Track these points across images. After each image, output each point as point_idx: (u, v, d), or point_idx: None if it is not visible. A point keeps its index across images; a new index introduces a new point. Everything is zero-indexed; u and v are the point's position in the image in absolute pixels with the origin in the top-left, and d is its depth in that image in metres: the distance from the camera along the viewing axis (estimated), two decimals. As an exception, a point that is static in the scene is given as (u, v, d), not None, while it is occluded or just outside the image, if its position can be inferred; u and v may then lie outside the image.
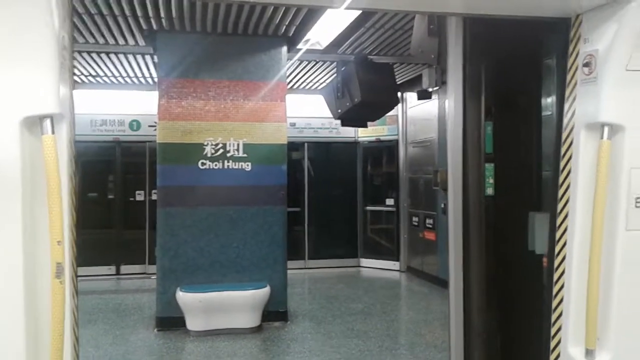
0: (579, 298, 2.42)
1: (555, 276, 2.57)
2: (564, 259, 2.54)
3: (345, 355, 5.46)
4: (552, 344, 2.57)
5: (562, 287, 2.54)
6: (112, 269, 9.67)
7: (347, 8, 2.43)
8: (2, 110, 1.83)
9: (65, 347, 1.87)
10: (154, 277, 6.95)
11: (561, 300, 2.53)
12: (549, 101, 3.40)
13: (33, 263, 1.89)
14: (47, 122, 1.84)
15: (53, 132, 1.85)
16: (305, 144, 10.46)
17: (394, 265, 10.16)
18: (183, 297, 6.09)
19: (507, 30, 3.06)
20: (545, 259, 2.88)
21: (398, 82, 8.67)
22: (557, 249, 2.58)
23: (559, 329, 2.54)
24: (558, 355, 2.53)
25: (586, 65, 2.40)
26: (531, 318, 3.06)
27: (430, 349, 5.63)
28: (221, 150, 6.45)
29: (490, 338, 3.37)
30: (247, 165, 6.51)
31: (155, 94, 6.55)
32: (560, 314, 2.53)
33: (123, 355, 5.47)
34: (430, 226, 9.05)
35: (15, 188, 1.84)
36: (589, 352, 2.38)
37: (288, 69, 7.54)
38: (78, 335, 2.15)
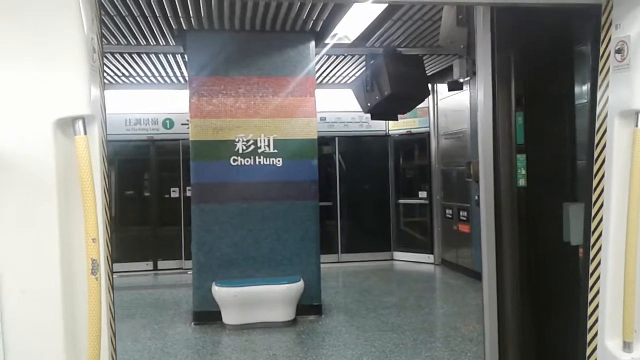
0: (616, 290, 2.37)
1: (591, 268, 2.53)
2: (599, 250, 2.49)
3: (380, 348, 5.45)
4: (589, 336, 2.52)
5: (598, 278, 2.49)
6: (149, 265, 9.88)
7: (373, 2, 2.43)
8: (36, 113, 1.89)
9: (102, 341, 1.93)
10: (190, 272, 7.07)
11: (597, 292, 2.49)
12: (582, 89, 3.32)
13: (69, 260, 1.95)
14: (80, 123, 1.90)
15: (85, 133, 1.90)
16: (336, 138, 10.45)
17: (427, 258, 10.09)
18: (219, 291, 6.19)
19: (537, 18, 3.00)
20: (581, 250, 2.82)
21: (428, 74, 8.59)
22: (592, 240, 2.53)
23: (595, 322, 2.49)
24: (595, 348, 2.49)
25: (618, 51, 2.34)
26: (567, 310, 3.01)
27: (466, 342, 5.58)
28: (252, 147, 6.50)
29: (525, 330, 3.32)
30: (278, 160, 6.55)
31: (186, 93, 6.65)
32: (597, 306, 2.48)
33: (161, 349, 5.60)
34: (464, 218, 8.94)
35: (50, 188, 1.90)
36: (626, 345, 2.33)
37: (316, 63, 7.55)
38: (115, 330, 2.21)
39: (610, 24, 2.40)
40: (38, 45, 1.89)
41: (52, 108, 1.90)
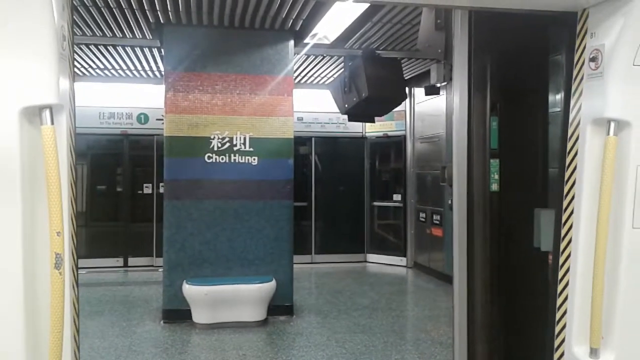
0: (584, 296, 2.39)
1: (560, 274, 2.55)
2: (568, 256, 2.50)
3: (350, 350, 5.45)
4: (556, 342, 2.54)
5: (566, 285, 2.51)
6: (119, 261, 9.73)
7: (355, 1, 2.41)
8: (1, 101, 1.83)
9: (65, 338, 1.88)
10: (161, 269, 6.98)
11: (566, 299, 2.50)
12: (556, 98, 3.36)
13: (32, 254, 1.89)
14: (47, 113, 1.84)
15: (52, 123, 1.84)
16: (313, 139, 10.45)
17: (400, 261, 10.14)
18: (189, 289, 6.12)
19: (514, 26, 3.02)
20: (550, 256, 2.85)
21: (406, 78, 8.63)
22: (562, 246, 2.54)
23: (563, 328, 2.51)
24: (562, 354, 2.51)
25: (592, 60, 2.36)
26: (536, 316, 3.04)
27: (436, 345, 5.61)
28: (228, 144, 6.45)
29: (494, 335, 3.34)
30: (254, 159, 6.51)
31: (162, 88, 6.56)
32: (565, 312, 2.50)
33: (129, 347, 5.50)
34: (437, 222, 9.01)
35: (14, 178, 1.84)
36: (593, 351, 2.35)
37: (295, 63, 7.52)
38: (78, 326, 2.15)
39: (586, 32, 2.43)
40: (4, 30, 1.83)
41: (18, 96, 1.84)
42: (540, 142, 3.40)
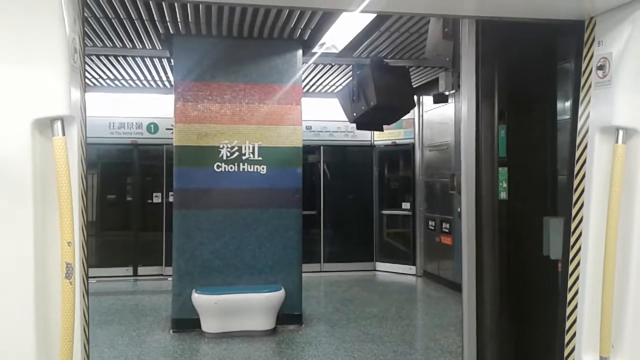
0: (594, 304, 2.37)
1: (570, 282, 2.54)
2: (578, 264, 2.50)
3: (360, 359, 5.43)
4: (566, 351, 2.53)
5: (576, 293, 2.50)
6: (129, 270, 9.77)
7: (362, 11, 2.43)
8: (13, 112, 1.86)
9: (75, 347, 1.89)
10: (170, 278, 7.00)
11: (575, 307, 2.49)
12: (565, 105, 3.36)
13: (43, 263, 1.91)
14: (58, 124, 1.86)
15: (64, 134, 1.87)
16: (322, 147, 10.46)
17: (409, 269, 10.10)
18: (198, 298, 6.13)
19: (521, 34, 3.03)
20: (560, 264, 2.84)
21: (414, 86, 8.64)
22: (571, 255, 2.54)
23: (573, 336, 2.50)
24: (572, 363, 2.49)
25: (600, 68, 2.37)
26: (545, 324, 3.02)
27: (445, 355, 5.58)
28: (237, 153, 6.48)
29: (504, 343, 3.32)
30: (263, 168, 6.53)
31: (172, 97, 6.61)
32: (575, 321, 2.49)
33: (138, 356, 5.51)
34: (447, 230, 8.98)
35: (26, 189, 1.86)
36: (603, 360, 2.34)
37: (303, 72, 7.56)
38: (88, 336, 2.17)
39: (593, 40, 2.43)
40: (17, 43, 1.86)
41: (30, 108, 1.87)
42: (549, 150, 3.40)
